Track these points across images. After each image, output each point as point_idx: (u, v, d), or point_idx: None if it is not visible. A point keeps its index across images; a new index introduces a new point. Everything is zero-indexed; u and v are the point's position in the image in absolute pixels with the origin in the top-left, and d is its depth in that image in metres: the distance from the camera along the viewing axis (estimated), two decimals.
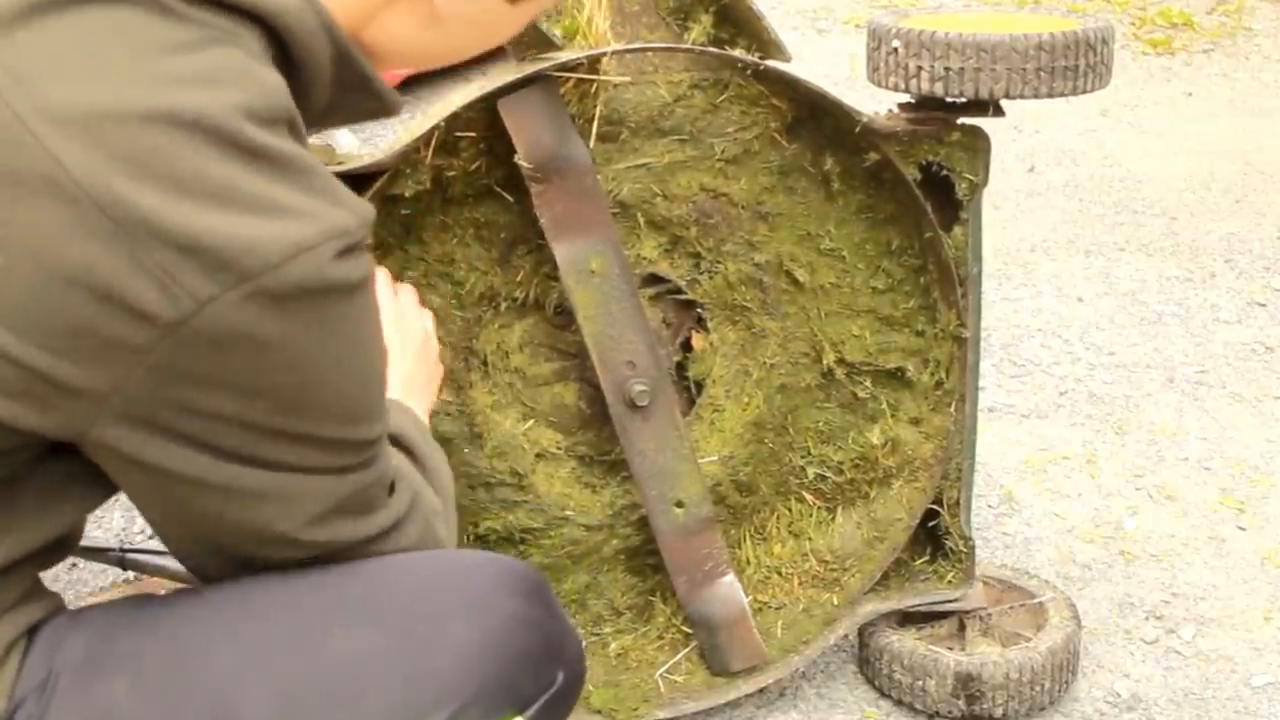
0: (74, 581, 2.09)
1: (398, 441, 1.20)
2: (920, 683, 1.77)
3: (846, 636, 1.85)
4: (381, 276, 1.46)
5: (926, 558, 1.84)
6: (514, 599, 1.05)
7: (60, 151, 0.87)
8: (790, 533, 1.82)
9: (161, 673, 0.99)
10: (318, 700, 0.98)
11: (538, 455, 1.70)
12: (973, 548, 1.81)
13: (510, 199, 1.58)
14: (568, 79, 1.52)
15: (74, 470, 0.99)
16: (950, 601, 1.82)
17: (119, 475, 0.98)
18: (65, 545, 1.06)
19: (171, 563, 1.82)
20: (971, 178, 1.67)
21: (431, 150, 1.50)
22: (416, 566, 1.07)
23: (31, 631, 1.01)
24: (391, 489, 1.08)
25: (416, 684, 0.99)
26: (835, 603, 1.79)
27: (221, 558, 1.03)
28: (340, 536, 1.03)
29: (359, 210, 0.96)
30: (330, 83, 1.03)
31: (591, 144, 1.56)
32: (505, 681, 1.02)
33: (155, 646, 1.01)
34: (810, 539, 1.81)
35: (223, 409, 0.93)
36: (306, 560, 1.03)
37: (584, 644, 1.13)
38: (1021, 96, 1.60)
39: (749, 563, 1.81)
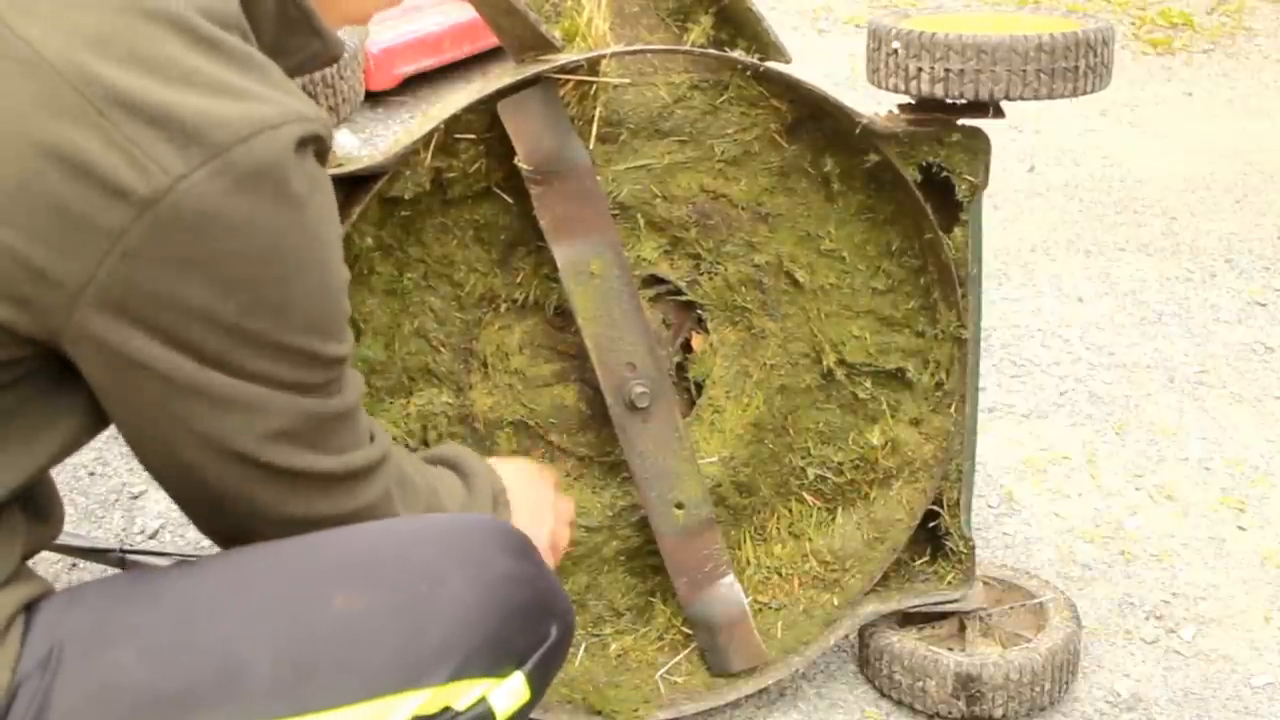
0: (74, 582, 2.09)
1: (440, 459, 1.27)
2: (920, 683, 1.78)
3: (847, 637, 1.85)
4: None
5: (926, 558, 1.84)
6: (505, 556, 1.07)
7: (30, 35, 0.91)
8: (790, 533, 1.82)
9: (167, 640, 1.00)
10: (322, 659, 1.00)
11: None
12: (973, 548, 1.81)
13: (510, 201, 1.58)
14: (567, 81, 1.52)
15: (58, 399, 1.01)
16: (950, 602, 1.82)
17: (95, 375, 0.99)
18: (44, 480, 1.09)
19: (171, 563, 1.82)
20: (971, 179, 1.67)
21: (431, 152, 1.50)
22: (409, 529, 1.10)
23: (29, 609, 1.02)
24: (370, 439, 1.11)
25: (418, 642, 1.01)
26: (835, 603, 1.80)
27: (188, 483, 1.05)
28: (296, 463, 1.04)
29: (314, 107, 1.00)
30: (274, 17, 1.09)
31: (591, 145, 1.56)
32: (503, 637, 1.04)
33: (159, 616, 1.02)
34: (810, 540, 1.81)
35: (196, 302, 0.95)
36: (271, 501, 1.05)
37: (570, 601, 1.16)
38: (1021, 98, 1.60)
39: (749, 563, 1.81)
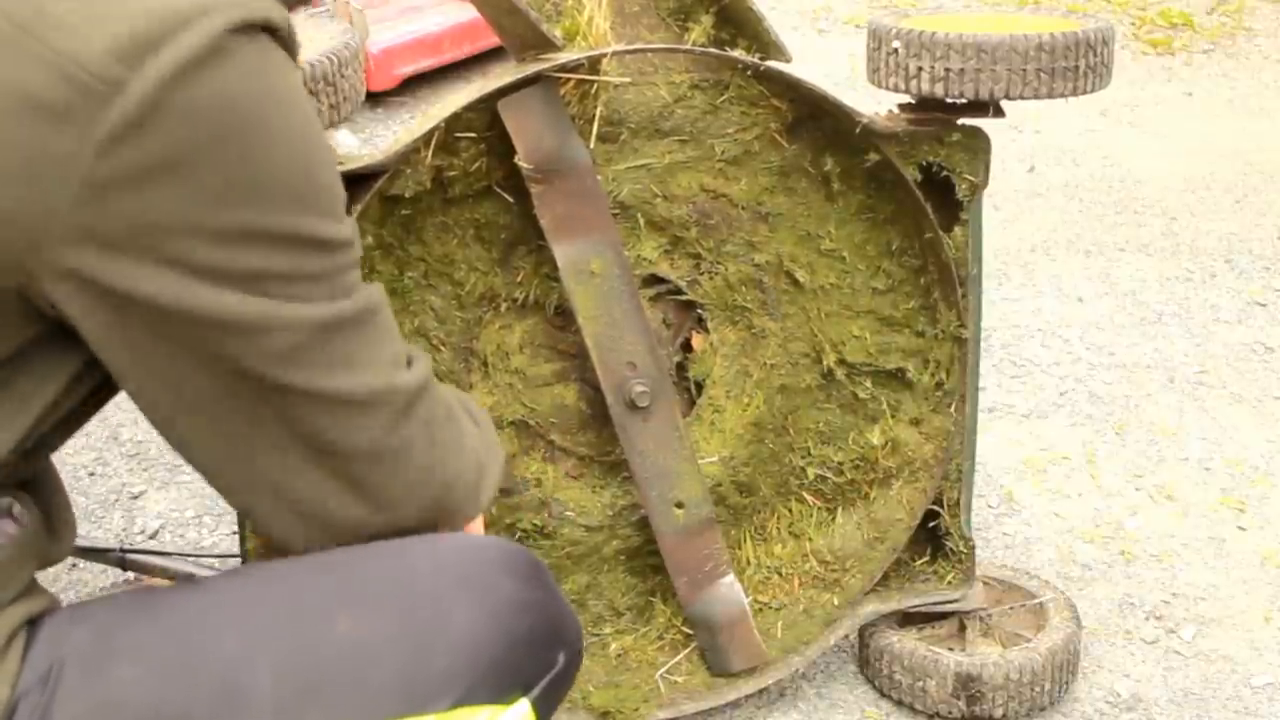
0: (74, 582, 2.09)
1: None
2: (920, 683, 1.78)
3: (847, 637, 1.85)
4: None
5: (927, 558, 1.84)
6: (514, 581, 1.06)
7: None
8: (790, 533, 1.82)
9: (168, 659, 0.99)
10: (325, 683, 0.98)
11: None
12: (973, 548, 1.81)
13: (510, 200, 1.58)
14: (568, 79, 1.52)
15: (48, 361, 0.98)
16: (950, 602, 1.82)
17: (83, 319, 0.94)
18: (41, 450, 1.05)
19: (171, 563, 1.82)
20: (972, 178, 1.67)
21: (432, 151, 1.50)
22: (416, 551, 1.07)
23: (32, 624, 1.01)
24: (408, 362, 1.05)
25: (422, 668, 0.99)
26: (835, 603, 1.79)
27: (198, 425, 0.99)
28: (316, 384, 0.98)
29: None
30: None
31: (592, 145, 1.56)
32: (510, 664, 1.03)
33: (160, 635, 1.01)
34: (810, 539, 1.81)
35: (168, 207, 0.90)
36: (289, 430, 0.99)
37: (581, 624, 1.14)
38: (1022, 97, 1.60)
39: (749, 563, 1.81)
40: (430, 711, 0.99)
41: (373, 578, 1.04)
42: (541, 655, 1.06)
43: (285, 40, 0.96)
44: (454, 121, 1.50)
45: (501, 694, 1.02)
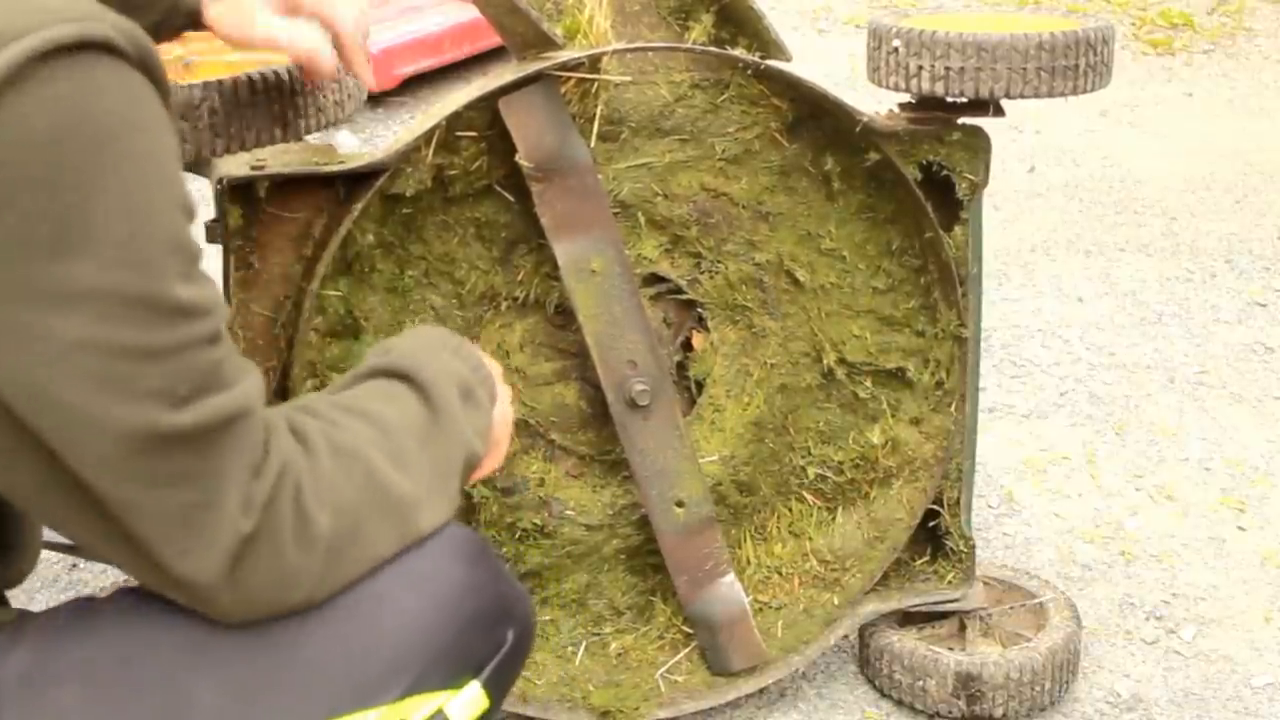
0: (75, 582, 2.09)
1: (395, 372, 1.08)
2: (921, 683, 1.77)
3: (847, 636, 1.85)
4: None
5: (927, 558, 1.84)
6: (459, 565, 1.04)
7: None
8: (791, 532, 1.82)
9: (110, 675, 0.97)
10: (269, 686, 0.97)
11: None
12: (973, 548, 1.81)
13: (511, 198, 1.58)
14: (569, 78, 1.52)
15: None
16: (951, 601, 1.82)
17: None
18: None
19: None
20: (972, 177, 1.67)
21: (433, 149, 1.50)
22: None
23: None
24: (265, 451, 0.93)
25: (369, 662, 0.98)
26: (836, 603, 1.79)
27: (55, 519, 0.93)
28: (141, 501, 0.88)
29: (98, 10, 0.83)
30: None
31: (592, 143, 1.56)
32: (458, 648, 1.02)
33: (101, 650, 0.98)
34: (811, 539, 1.81)
35: None
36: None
37: (530, 598, 1.13)
38: (1022, 96, 1.60)
39: (749, 562, 1.81)
40: (380, 703, 0.98)
41: None
42: (489, 635, 1.05)
43: (137, 60, 0.85)
44: (455, 120, 1.50)
45: (452, 679, 1.02)
